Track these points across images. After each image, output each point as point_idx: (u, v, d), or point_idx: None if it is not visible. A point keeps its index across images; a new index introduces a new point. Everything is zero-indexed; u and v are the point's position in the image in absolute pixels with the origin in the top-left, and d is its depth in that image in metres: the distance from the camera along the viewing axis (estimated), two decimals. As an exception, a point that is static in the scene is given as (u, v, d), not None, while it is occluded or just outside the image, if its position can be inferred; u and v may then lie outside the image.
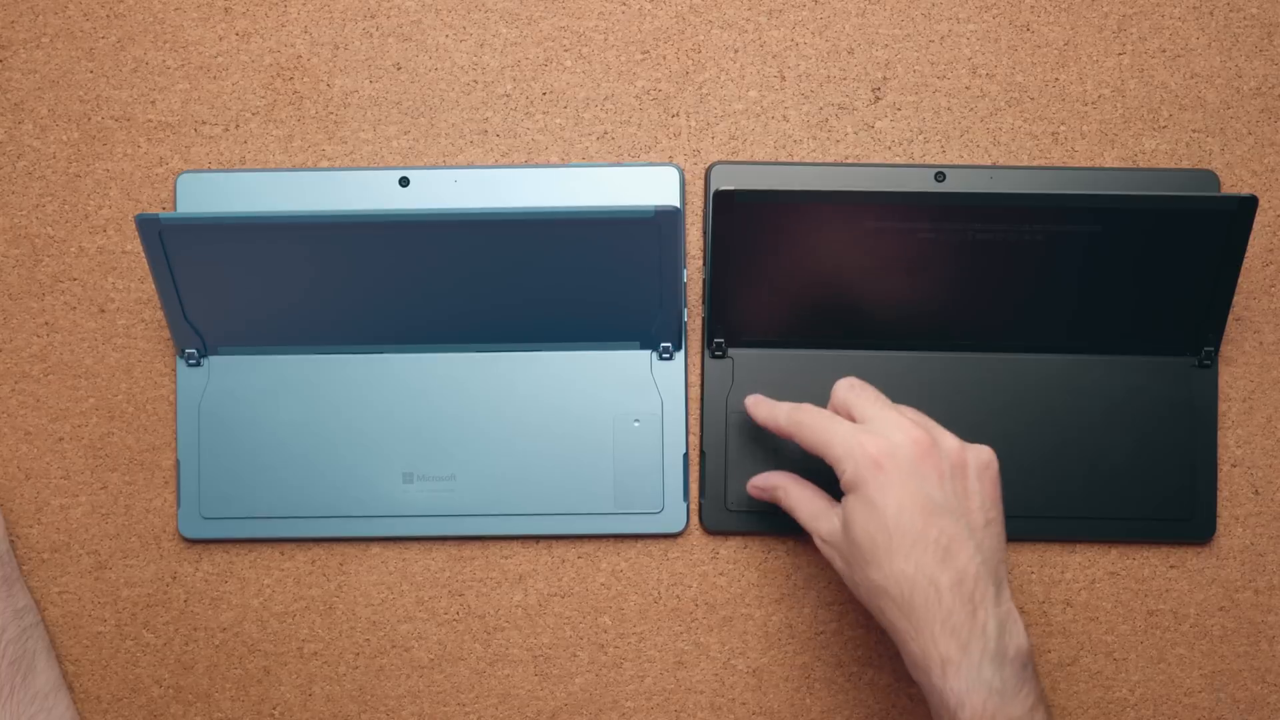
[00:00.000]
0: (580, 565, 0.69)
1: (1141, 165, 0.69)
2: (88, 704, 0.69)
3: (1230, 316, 0.68)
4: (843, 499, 0.59)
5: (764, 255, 0.65)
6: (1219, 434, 0.68)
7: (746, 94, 0.69)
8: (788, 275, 0.66)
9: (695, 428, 0.69)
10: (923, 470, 0.57)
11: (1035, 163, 0.69)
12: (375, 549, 0.69)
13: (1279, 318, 0.69)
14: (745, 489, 0.66)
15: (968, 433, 0.67)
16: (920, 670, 0.56)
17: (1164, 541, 0.68)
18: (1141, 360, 0.67)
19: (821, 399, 0.67)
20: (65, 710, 0.66)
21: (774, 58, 0.69)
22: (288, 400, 0.68)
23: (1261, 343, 0.69)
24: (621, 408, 0.68)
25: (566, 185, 0.68)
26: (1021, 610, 0.68)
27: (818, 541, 0.61)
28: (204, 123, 0.69)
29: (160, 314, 0.69)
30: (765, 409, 0.64)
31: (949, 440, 0.59)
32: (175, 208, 0.68)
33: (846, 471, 0.58)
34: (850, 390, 0.61)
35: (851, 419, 0.60)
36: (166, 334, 0.69)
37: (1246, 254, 0.66)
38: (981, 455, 0.59)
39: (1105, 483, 0.67)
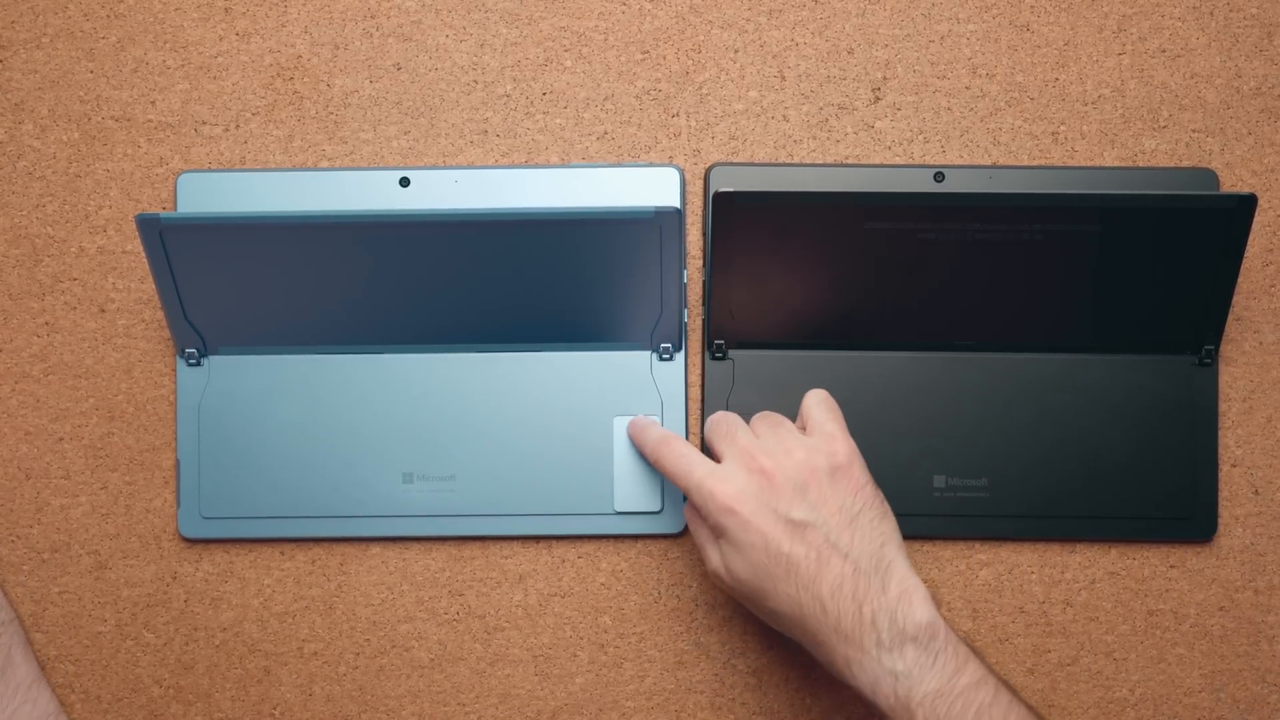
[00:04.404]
0: (580, 565, 0.69)
1: (1141, 165, 0.69)
2: (88, 704, 0.69)
3: (1230, 316, 0.68)
4: (718, 543, 0.61)
5: (764, 256, 0.65)
6: (1219, 434, 0.68)
7: (746, 94, 0.69)
8: (788, 276, 0.66)
9: (696, 428, 0.69)
10: (774, 497, 0.59)
11: (1035, 163, 0.69)
12: (375, 549, 0.69)
13: (1279, 318, 0.69)
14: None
15: (968, 433, 0.67)
16: (834, 671, 0.58)
17: (1164, 541, 0.68)
18: (1142, 359, 0.67)
19: (821, 399, 0.67)
20: (49, 701, 0.67)
21: (774, 58, 0.69)
22: (288, 400, 0.68)
23: (1261, 343, 0.69)
24: (622, 408, 0.68)
25: (567, 186, 0.68)
26: (1020, 610, 0.68)
27: (710, 572, 0.62)
28: (204, 123, 0.69)
29: (160, 314, 0.69)
30: (637, 430, 0.66)
31: (797, 454, 0.60)
32: (175, 208, 0.68)
33: (709, 520, 0.60)
34: (734, 421, 0.63)
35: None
36: (166, 334, 0.69)
37: (1246, 254, 0.66)
38: (833, 457, 0.60)
39: (1105, 482, 0.67)
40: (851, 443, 0.61)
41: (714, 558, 0.61)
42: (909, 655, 0.56)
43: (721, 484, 0.60)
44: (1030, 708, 0.57)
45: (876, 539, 0.59)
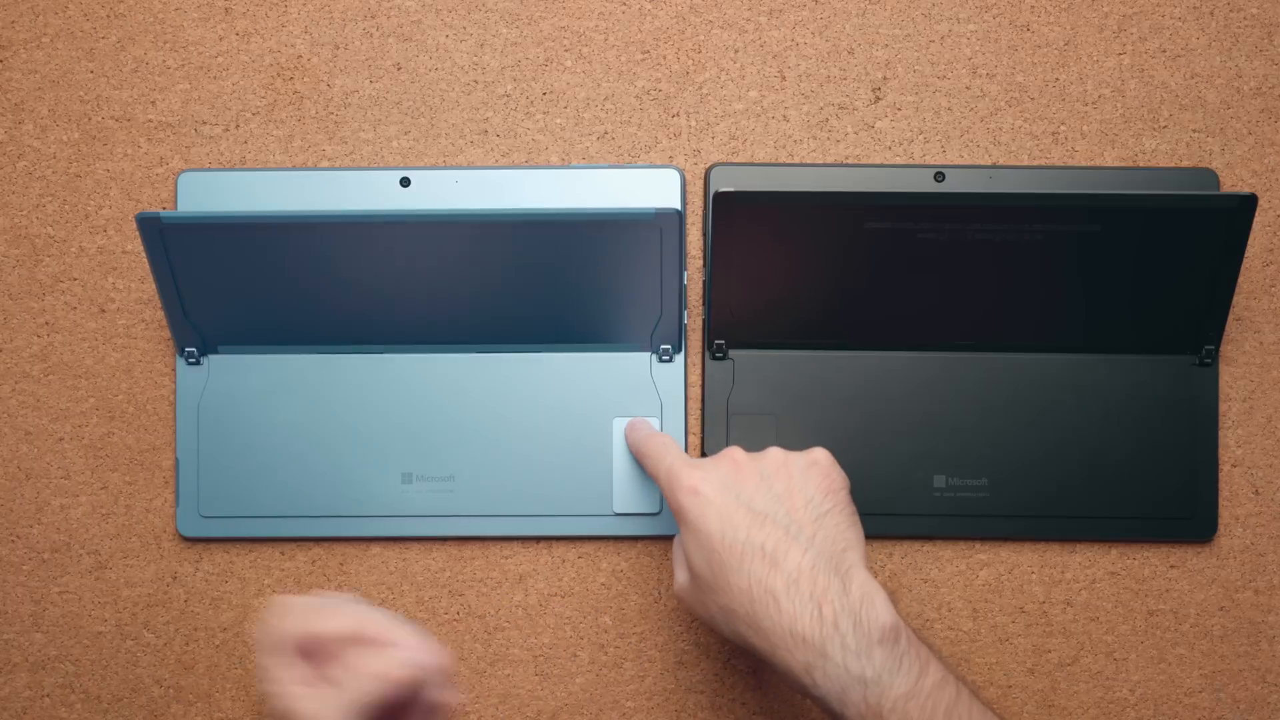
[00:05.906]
0: (581, 565, 0.69)
1: (1141, 165, 0.69)
2: (88, 704, 0.69)
3: (1230, 316, 0.68)
4: (682, 537, 0.60)
5: (764, 256, 0.65)
6: (1219, 433, 0.68)
7: (746, 94, 0.69)
8: (788, 276, 0.66)
9: (696, 429, 0.69)
10: (739, 483, 0.58)
11: (1035, 163, 0.69)
12: (375, 549, 0.69)
13: (1279, 318, 0.69)
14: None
15: (969, 433, 0.67)
16: (793, 681, 0.54)
17: (1164, 541, 0.68)
18: (1142, 359, 0.67)
19: (821, 399, 0.67)
20: None
21: (774, 58, 0.69)
22: (287, 400, 0.68)
23: (1261, 343, 0.69)
24: (621, 409, 0.68)
25: (568, 186, 0.68)
26: (1020, 610, 0.68)
27: (675, 591, 0.61)
28: (204, 123, 0.69)
29: (160, 314, 0.69)
30: (631, 430, 0.67)
31: (774, 452, 0.60)
32: (176, 207, 0.68)
33: (670, 503, 0.59)
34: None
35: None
36: (166, 334, 0.69)
37: (1246, 254, 0.66)
38: (810, 454, 0.60)
39: (1105, 482, 0.67)
40: (836, 463, 0.60)
41: (681, 576, 0.60)
42: (877, 659, 0.53)
43: (688, 468, 0.59)
44: (985, 703, 0.55)
45: (840, 542, 0.57)
